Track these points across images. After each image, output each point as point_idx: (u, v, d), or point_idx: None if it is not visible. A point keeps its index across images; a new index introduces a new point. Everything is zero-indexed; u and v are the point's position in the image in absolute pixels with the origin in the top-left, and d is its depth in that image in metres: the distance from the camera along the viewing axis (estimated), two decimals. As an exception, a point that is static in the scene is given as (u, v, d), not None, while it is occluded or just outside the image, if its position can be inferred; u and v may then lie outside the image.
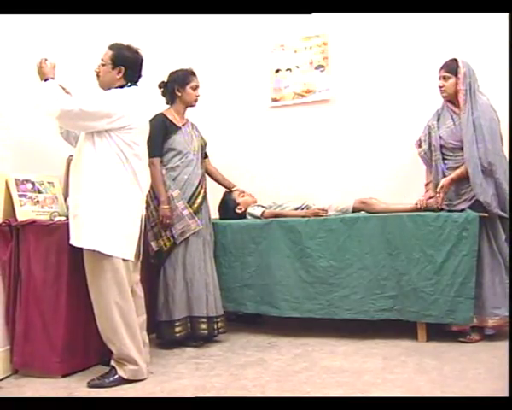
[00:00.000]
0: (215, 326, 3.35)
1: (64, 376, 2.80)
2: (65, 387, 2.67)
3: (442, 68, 3.32)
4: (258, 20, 4.23)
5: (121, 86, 2.80)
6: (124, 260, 2.72)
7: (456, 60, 3.27)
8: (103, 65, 2.80)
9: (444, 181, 3.23)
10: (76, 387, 2.67)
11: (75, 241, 2.68)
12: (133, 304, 2.77)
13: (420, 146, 3.51)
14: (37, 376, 2.80)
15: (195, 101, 3.45)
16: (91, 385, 2.66)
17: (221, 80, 4.39)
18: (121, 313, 2.69)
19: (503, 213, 3.13)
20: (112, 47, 2.81)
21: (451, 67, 3.27)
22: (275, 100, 4.29)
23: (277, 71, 4.28)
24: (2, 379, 2.80)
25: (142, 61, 2.86)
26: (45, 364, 2.80)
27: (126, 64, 2.79)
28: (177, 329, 3.28)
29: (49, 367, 2.79)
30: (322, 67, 4.15)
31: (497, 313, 3.11)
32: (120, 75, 2.79)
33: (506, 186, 3.11)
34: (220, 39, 4.41)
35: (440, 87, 3.32)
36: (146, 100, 2.90)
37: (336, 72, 4.11)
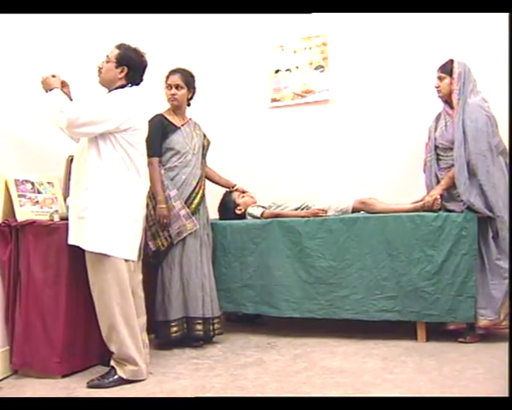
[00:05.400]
0: (211, 328, 3.34)
1: (64, 376, 2.80)
2: (65, 387, 2.67)
3: (438, 69, 3.37)
4: (258, 21, 4.23)
5: (122, 86, 2.81)
6: (125, 260, 2.73)
7: (452, 60, 3.31)
8: (107, 62, 2.81)
9: (435, 193, 3.27)
10: (76, 387, 2.67)
11: (82, 243, 2.69)
12: (134, 305, 2.77)
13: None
14: (36, 376, 2.79)
15: (170, 100, 3.42)
16: (91, 385, 2.66)
17: (221, 80, 4.39)
18: (122, 314, 2.69)
19: (489, 213, 3.12)
20: (119, 46, 2.83)
21: (447, 68, 3.31)
22: (274, 100, 4.29)
23: (277, 71, 4.28)
24: (1, 380, 2.79)
25: (146, 65, 2.89)
26: (45, 364, 2.79)
27: (130, 65, 2.81)
28: (173, 329, 3.28)
29: (48, 367, 2.79)
30: (322, 67, 4.15)
31: (483, 314, 3.12)
32: (122, 75, 2.80)
33: (488, 187, 3.11)
34: (220, 39, 4.42)
35: (436, 87, 3.37)
36: (146, 100, 2.91)
37: (336, 72, 4.11)
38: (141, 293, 2.94)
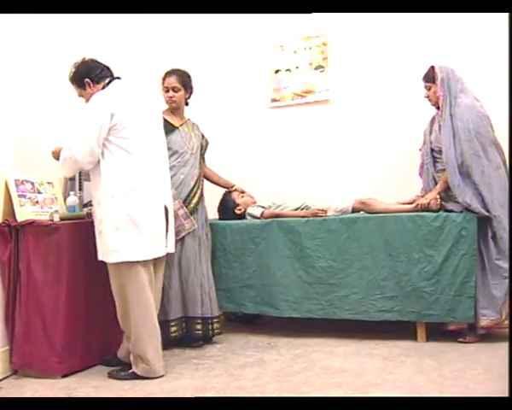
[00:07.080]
0: (210, 327, 3.35)
1: (64, 376, 2.81)
2: (64, 387, 2.68)
3: (422, 79, 3.38)
4: (258, 21, 4.23)
5: (103, 87, 2.84)
6: (144, 261, 2.74)
7: (433, 67, 3.32)
8: (81, 96, 2.90)
9: (430, 196, 3.28)
10: (75, 387, 2.67)
11: (104, 257, 2.74)
12: (153, 303, 2.80)
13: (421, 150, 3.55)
14: (36, 376, 2.80)
15: (168, 102, 3.43)
16: (109, 375, 2.77)
17: (220, 81, 4.39)
18: (139, 312, 2.72)
19: (486, 213, 3.12)
20: (70, 80, 2.90)
21: (429, 76, 3.33)
22: (274, 100, 4.29)
23: (277, 71, 4.28)
24: (1, 380, 2.80)
25: (91, 60, 2.91)
26: (45, 364, 2.80)
27: (86, 76, 2.84)
28: (172, 329, 3.29)
29: (48, 368, 2.80)
30: (322, 67, 4.15)
31: (485, 314, 3.12)
32: (91, 85, 2.85)
33: (483, 187, 3.12)
34: (220, 39, 4.41)
35: (426, 97, 3.38)
36: (133, 90, 2.89)
37: (336, 72, 4.10)
38: (159, 290, 3.00)
